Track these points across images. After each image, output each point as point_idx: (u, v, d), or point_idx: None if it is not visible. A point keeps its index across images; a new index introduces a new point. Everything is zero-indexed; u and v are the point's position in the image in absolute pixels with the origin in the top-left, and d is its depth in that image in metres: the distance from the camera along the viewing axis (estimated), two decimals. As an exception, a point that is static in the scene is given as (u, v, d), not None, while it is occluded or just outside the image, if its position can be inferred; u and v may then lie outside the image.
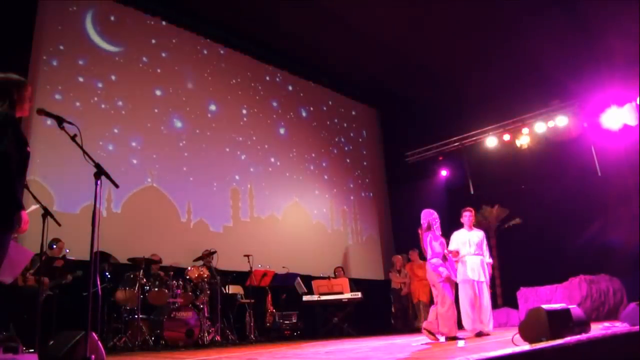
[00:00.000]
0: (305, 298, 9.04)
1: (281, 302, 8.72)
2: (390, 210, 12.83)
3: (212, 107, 9.57)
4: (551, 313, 3.76)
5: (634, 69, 8.65)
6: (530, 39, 9.23)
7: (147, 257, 6.74)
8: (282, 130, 10.81)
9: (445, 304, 5.30)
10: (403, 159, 12.28)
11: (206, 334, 6.57)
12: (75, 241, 5.73)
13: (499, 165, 10.78)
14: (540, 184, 10.23)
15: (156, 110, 8.65)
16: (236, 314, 7.61)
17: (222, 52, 10.04)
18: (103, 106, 7.96)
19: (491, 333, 5.97)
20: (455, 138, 11.48)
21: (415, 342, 5.26)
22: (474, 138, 11.30)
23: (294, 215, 10.42)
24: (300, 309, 8.76)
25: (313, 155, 11.24)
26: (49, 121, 4.32)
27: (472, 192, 11.31)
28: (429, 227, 5.61)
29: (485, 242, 6.41)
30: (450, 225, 6.66)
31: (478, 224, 7.32)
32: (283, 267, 8.60)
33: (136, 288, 6.23)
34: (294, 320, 8.41)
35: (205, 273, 7.00)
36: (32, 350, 4.41)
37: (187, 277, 6.92)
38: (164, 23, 9.15)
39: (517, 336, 3.78)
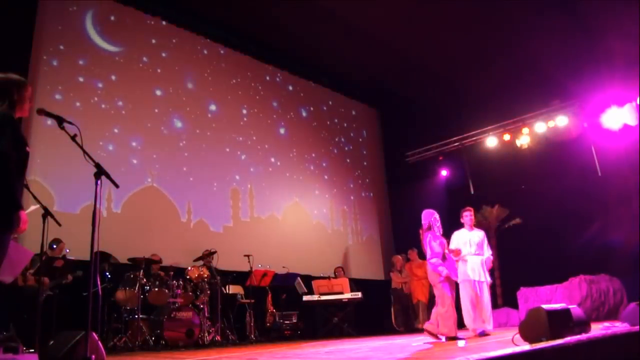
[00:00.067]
0: (305, 298, 9.03)
1: (281, 302, 8.72)
2: (390, 210, 12.83)
3: (212, 107, 9.57)
4: (551, 313, 3.76)
5: (634, 70, 8.65)
6: (530, 39, 9.23)
7: (147, 257, 6.73)
8: (282, 130, 10.81)
9: (445, 304, 5.32)
10: (403, 159, 12.27)
11: (206, 334, 6.57)
12: (75, 241, 5.73)
13: (499, 165, 10.77)
14: (540, 184, 10.22)
15: (156, 110, 8.65)
16: (236, 314, 7.61)
17: (222, 52, 10.03)
18: (103, 106, 7.96)
19: (491, 333, 5.98)
20: (455, 138, 11.47)
21: (416, 342, 5.26)
22: (474, 138, 11.30)
23: (294, 215, 10.42)
24: (300, 309, 8.76)
25: (313, 155, 11.24)
26: (49, 121, 4.34)
27: (472, 192, 11.31)
28: (430, 228, 5.62)
29: (486, 242, 6.43)
30: (450, 225, 6.65)
31: (478, 224, 7.32)
32: (283, 267, 8.60)
33: (136, 288, 6.23)
34: (294, 320, 8.41)
35: (206, 273, 7.00)
36: (32, 350, 4.41)
37: (187, 277, 6.92)
38: (164, 23, 9.15)
39: (517, 336, 3.78)
